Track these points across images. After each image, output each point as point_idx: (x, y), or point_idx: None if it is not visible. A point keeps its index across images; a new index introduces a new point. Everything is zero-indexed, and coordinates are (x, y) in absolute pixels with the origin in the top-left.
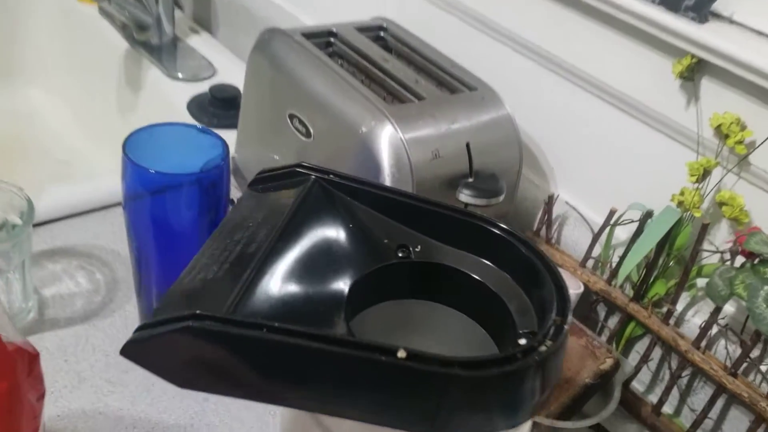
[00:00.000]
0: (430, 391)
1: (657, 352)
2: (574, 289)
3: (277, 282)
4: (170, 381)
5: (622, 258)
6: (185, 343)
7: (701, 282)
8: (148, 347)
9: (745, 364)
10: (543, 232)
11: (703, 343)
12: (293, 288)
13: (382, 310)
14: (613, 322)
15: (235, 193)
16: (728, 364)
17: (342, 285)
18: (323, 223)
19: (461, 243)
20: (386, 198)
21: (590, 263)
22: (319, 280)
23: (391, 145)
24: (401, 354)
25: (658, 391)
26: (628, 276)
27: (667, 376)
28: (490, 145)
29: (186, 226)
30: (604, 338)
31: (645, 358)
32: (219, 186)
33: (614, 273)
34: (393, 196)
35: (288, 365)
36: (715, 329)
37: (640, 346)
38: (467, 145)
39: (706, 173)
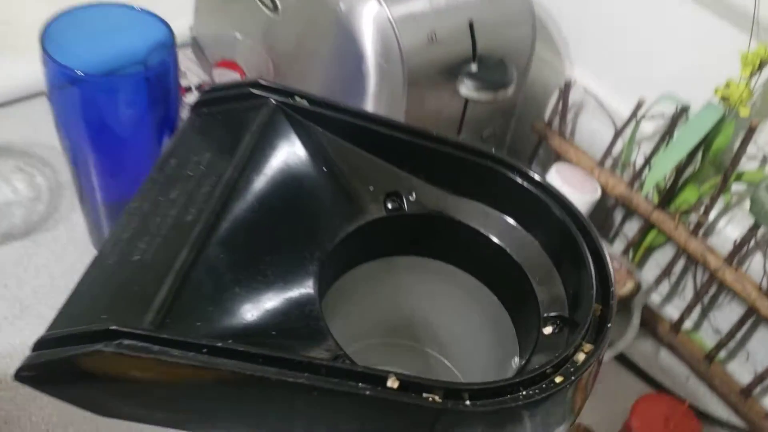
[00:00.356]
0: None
1: (680, 264)
2: (590, 193)
3: (225, 264)
4: (88, 410)
5: (649, 159)
6: (99, 368)
7: (738, 187)
8: (50, 371)
9: None
10: (556, 123)
11: (735, 260)
12: (247, 269)
13: (365, 269)
14: (630, 228)
15: (194, 69)
16: (764, 284)
17: (312, 256)
18: (287, 168)
19: (473, 192)
20: (371, 130)
21: (609, 162)
22: (282, 252)
23: (376, 25)
24: (392, 383)
25: (678, 306)
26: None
27: (689, 292)
28: (498, 23)
29: (127, 128)
30: (619, 247)
31: (666, 272)
32: (165, 80)
33: (637, 175)
34: (380, 128)
35: (241, 397)
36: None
37: (661, 256)
38: (470, 24)
39: (762, 65)
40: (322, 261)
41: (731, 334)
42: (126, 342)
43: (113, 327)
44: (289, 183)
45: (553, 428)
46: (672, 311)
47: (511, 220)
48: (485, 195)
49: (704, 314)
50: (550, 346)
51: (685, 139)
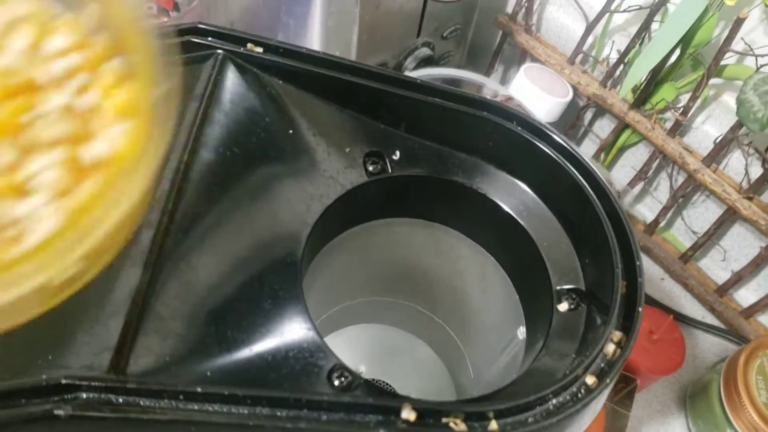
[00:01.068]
0: None
1: (655, 164)
2: (561, 95)
3: (192, 279)
4: None
5: (624, 55)
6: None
7: (716, 81)
8: None
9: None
10: (521, 16)
11: (715, 161)
12: (218, 283)
13: (350, 234)
14: (601, 127)
15: None
16: (744, 185)
17: (292, 251)
18: (248, 138)
19: (468, 147)
20: (341, 80)
21: (580, 59)
22: (255, 254)
23: None
24: (408, 414)
25: (652, 208)
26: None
27: (664, 193)
28: None
29: None
30: (590, 147)
31: (642, 174)
32: None
33: (611, 73)
34: (352, 77)
35: None
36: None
37: (633, 156)
38: None
39: None
40: (301, 257)
41: (708, 234)
42: (85, 397)
43: (65, 378)
44: (252, 158)
45: (582, 429)
46: (646, 212)
47: (516, 180)
48: (483, 150)
49: (680, 215)
50: (567, 325)
51: (666, 35)
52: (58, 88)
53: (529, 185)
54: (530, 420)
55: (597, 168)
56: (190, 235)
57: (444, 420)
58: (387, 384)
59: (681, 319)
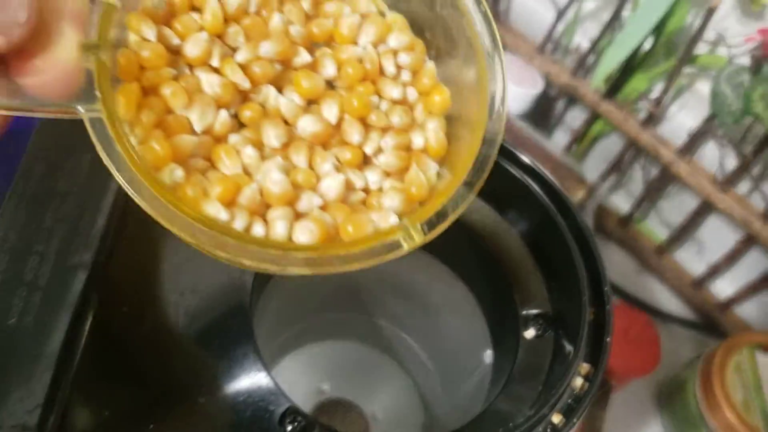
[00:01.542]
0: None
1: (628, 155)
2: (531, 87)
3: (131, 315)
4: None
5: (596, 43)
6: None
7: (689, 70)
8: None
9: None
10: (488, 1)
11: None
12: (154, 316)
13: None
14: (573, 118)
15: None
16: (719, 177)
17: (237, 273)
18: None
19: None
20: None
21: (550, 48)
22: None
23: None
24: None
25: (627, 200)
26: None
27: (638, 185)
28: None
29: None
30: (562, 138)
31: (615, 166)
32: None
33: (582, 61)
34: None
35: None
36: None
37: (606, 147)
38: None
39: None
40: (251, 288)
41: (683, 227)
42: None
43: None
44: None
45: None
46: (621, 205)
47: (481, 201)
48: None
49: (654, 207)
50: (534, 353)
51: (638, 23)
52: (394, 82)
53: (494, 206)
54: None
55: (575, 167)
56: (130, 274)
57: None
58: (352, 402)
59: (657, 314)
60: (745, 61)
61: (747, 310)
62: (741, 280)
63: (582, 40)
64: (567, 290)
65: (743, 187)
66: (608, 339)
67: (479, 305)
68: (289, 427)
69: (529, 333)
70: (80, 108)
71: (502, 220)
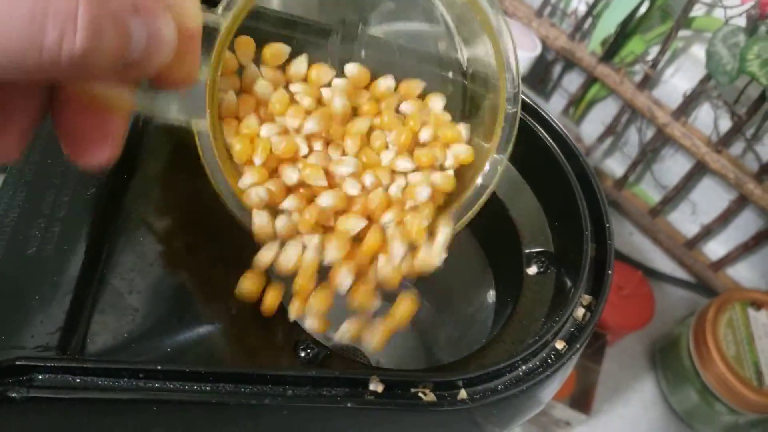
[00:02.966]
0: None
1: (624, 118)
2: (530, 50)
3: (151, 248)
4: None
5: (593, 7)
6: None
7: (685, 33)
8: None
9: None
10: None
11: (684, 114)
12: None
13: None
14: (570, 82)
15: None
16: (713, 138)
17: None
18: None
19: None
20: None
21: (548, 11)
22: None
23: None
24: (375, 386)
25: (621, 162)
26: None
27: (633, 147)
28: None
29: None
30: (559, 102)
31: (611, 129)
32: None
33: (579, 25)
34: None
35: (194, 427)
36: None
37: (602, 110)
38: None
39: None
40: None
41: (677, 188)
42: (41, 378)
43: (21, 358)
44: None
45: (550, 398)
46: (615, 167)
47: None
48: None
49: (649, 169)
50: (537, 289)
51: None
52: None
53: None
54: (500, 387)
55: (566, 124)
56: (146, 204)
57: (413, 390)
58: (356, 349)
59: (650, 273)
60: (741, 21)
61: (739, 270)
62: (733, 240)
63: (579, 3)
64: (569, 228)
65: (737, 148)
66: (609, 272)
67: (482, 245)
68: (303, 354)
69: (532, 270)
70: (193, 120)
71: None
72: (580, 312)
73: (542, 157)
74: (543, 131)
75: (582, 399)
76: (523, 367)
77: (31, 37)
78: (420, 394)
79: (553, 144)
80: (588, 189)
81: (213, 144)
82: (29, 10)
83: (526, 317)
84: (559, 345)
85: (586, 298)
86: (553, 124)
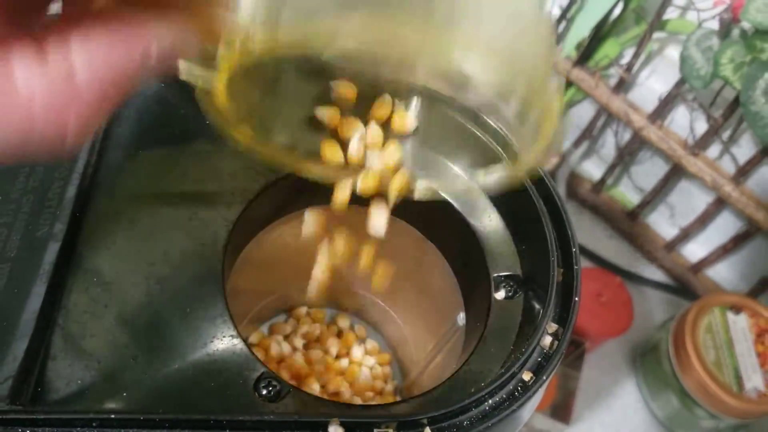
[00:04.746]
0: None
1: (600, 121)
2: None
3: (102, 292)
4: None
5: (566, 10)
6: None
7: (659, 35)
8: None
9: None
10: None
11: (660, 118)
12: (129, 286)
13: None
14: None
15: None
16: (689, 141)
17: (210, 245)
18: (159, 129)
19: None
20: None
21: None
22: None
23: None
24: (335, 429)
25: (599, 166)
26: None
27: (610, 151)
28: None
29: None
30: None
31: (588, 133)
32: None
33: (553, 30)
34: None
35: None
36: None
37: (579, 115)
38: None
39: None
40: (223, 260)
41: (655, 191)
42: None
43: None
44: (166, 156)
45: (522, 423)
46: (593, 171)
47: (449, 164)
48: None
49: (626, 172)
50: (505, 314)
51: None
52: None
53: (462, 169)
54: (466, 423)
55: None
56: (101, 244)
57: (376, 431)
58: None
59: (630, 277)
60: (714, 25)
61: (719, 272)
62: (712, 242)
63: (552, 7)
64: (536, 252)
65: (714, 150)
66: (576, 299)
67: (452, 267)
68: (264, 392)
69: (500, 294)
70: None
71: (473, 183)
72: (547, 341)
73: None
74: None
75: (562, 408)
76: (490, 401)
77: None
78: None
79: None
80: (555, 212)
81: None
82: None
83: (494, 344)
84: (526, 376)
85: (553, 327)
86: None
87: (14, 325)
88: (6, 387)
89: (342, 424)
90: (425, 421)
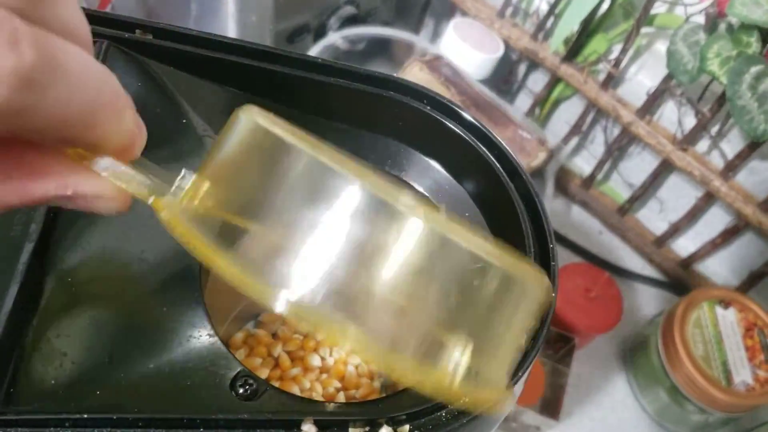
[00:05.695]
0: None
1: (589, 117)
2: (492, 51)
3: (78, 293)
4: None
5: (554, 6)
6: None
7: (647, 30)
8: None
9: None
10: None
11: (648, 113)
12: (104, 286)
13: None
14: (535, 81)
15: None
16: (678, 136)
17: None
18: None
19: (382, 128)
20: (240, 65)
21: (510, 12)
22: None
23: None
24: (308, 429)
25: (588, 161)
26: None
27: (600, 146)
28: None
29: None
30: (525, 102)
31: (576, 128)
32: None
33: (542, 25)
34: (250, 61)
35: None
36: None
37: (568, 109)
38: None
39: None
40: None
41: (644, 186)
42: None
43: None
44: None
45: (500, 420)
46: (583, 166)
47: (429, 160)
48: (393, 131)
49: (616, 167)
50: None
51: None
52: None
53: (442, 165)
54: (444, 419)
55: (537, 131)
56: (75, 244)
57: (351, 430)
58: None
59: (620, 272)
60: (701, 19)
61: (708, 267)
62: (702, 237)
63: (541, 2)
64: (514, 248)
65: (702, 145)
66: (553, 294)
67: None
68: (241, 390)
69: None
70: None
71: (450, 178)
72: (523, 339)
73: (486, 176)
74: (485, 149)
75: (551, 404)
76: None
77: None
78: None
79: (496, 162)
80: (532, 209)
81: None
82: None
83: None
84: None
85: None
86: (495, 141)
87: None
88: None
89: (316, 423)
90: (403, 417)
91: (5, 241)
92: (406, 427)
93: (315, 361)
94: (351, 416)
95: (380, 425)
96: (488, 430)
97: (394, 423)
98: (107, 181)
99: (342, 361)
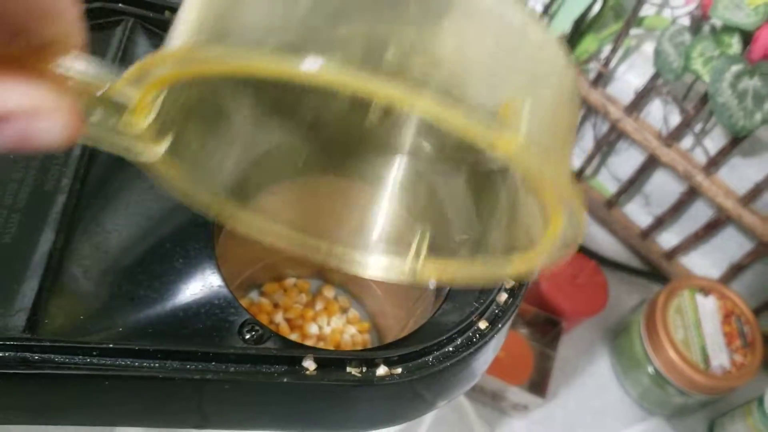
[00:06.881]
0: (355, 402)
1: (580, 113)
2: None
3: (104, 240)
4: None
5: (548, 6)
6: None
7: (637, 31)
8: None
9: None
10: None
11: (636, 110)
12: (132, 239)
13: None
14: None
15: None
16: (663, 132)
17: None
18: None
19: None
20: None
21: None
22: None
23: None
24: (309, 364)
25: (578, 156)
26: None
27: (589, 141)
28: None
29: None
30: None
31: None
32: None
33: None
34: None
35: (143, 399)
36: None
37: None
38: None
39: None
40: None
41: (631, 181)
42: (2, 355)
43: None
44: None
45: (480, 371)
46: (572, 161)
47: None
48: None
49: (604, 162)
50: None
51: None
52: None
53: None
54: (431, 362)
55: None
56: (101, 198)
57: (348, 368)
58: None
59: (606, 262)
60: (686, 21)
61: (692, 259)
62: (685, 230)
63: (534, 3)
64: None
65: (686, 142)
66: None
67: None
68: (247, 336)
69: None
70: None
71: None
72: (503, 297)
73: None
74: None
75: (539, 383)
76: (450, 346)
77: None
78: (354, 372)
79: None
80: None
81: None
82: None
83: (458, 302)
84: (483, 325)
85: (510, 283)
86: None
87: (26, 265)
88: (19, 318)
89: (315, 360)
90: (395, 358)
91: (41, 194)
92: (399, 368)
93: (313, 329)
94: (349, 356)
95: (377, 365)
96: (470, 375)
97: (389, 364)
98: (43, 89)
99: (339, 330)
